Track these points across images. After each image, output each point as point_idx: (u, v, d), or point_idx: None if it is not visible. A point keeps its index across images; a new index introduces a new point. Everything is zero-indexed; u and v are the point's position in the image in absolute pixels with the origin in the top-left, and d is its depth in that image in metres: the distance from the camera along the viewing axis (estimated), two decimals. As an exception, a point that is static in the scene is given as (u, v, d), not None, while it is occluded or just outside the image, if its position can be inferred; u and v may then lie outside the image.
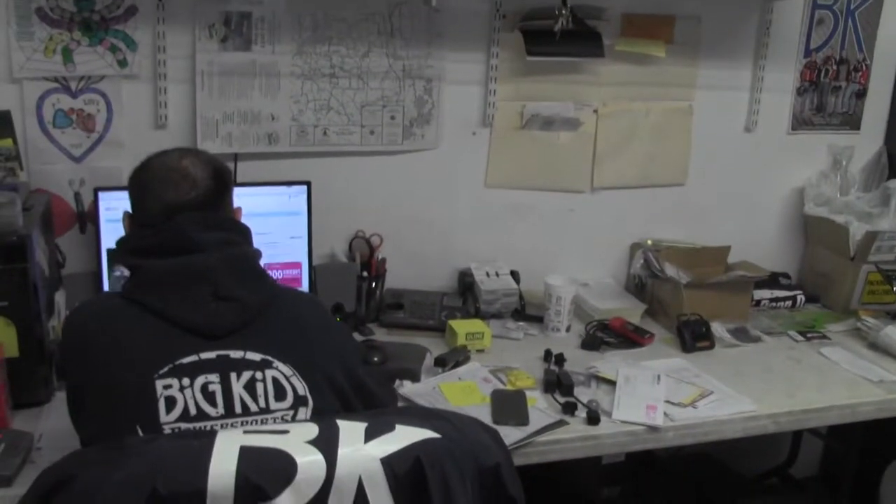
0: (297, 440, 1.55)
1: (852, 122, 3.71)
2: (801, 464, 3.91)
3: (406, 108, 3.10)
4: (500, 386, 2.66)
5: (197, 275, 1.85)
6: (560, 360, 2.84)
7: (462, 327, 2.92)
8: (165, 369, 1.76)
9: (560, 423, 2.48)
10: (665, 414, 2.57)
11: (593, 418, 2.51)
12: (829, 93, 3.64)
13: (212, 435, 1.56)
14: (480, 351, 2.90)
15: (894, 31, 3.65)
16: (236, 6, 2.85)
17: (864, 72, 3.66)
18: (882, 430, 3.09)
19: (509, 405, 2.52)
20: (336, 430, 1.58)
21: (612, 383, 2.70)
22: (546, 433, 2.43)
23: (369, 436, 1.58)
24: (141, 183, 2.02)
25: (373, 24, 2.99)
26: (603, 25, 3.21)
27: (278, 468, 1.51)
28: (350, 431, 1.58)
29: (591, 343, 3.01)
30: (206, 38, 2.84)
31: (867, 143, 3.73)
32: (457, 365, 2.76)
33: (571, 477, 3.15)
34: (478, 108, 3.20)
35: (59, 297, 2.57)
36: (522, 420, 2.45)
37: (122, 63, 2.78)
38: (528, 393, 2.60)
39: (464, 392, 2.60)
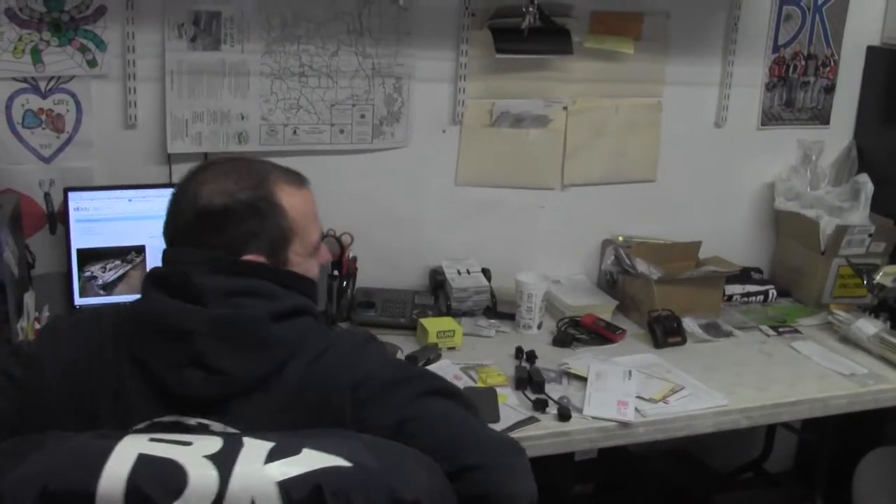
0: (196, 453, 1.47)
1: (821, 116, 3.72)
2: (775, 458, 3.93)
3: (376, 106, 3.10)
4: (471, 383, 2.67)
5: (173, 334, 1.66)
6: (531, 356, 2.85)
7: (433, 325, 2.92)
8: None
9: (531, 420, 2.50)
10: (636, 409, 2.59)
11: (564, 415, 2.52)
12: (797, 88, 3.66)
13: (119, 436, 1.50)
14: (452, 349, 2.90)
15: (861, 26, 3.67)
16: (205, 6, 2.84)
17: (832, 67, 3.68)
18: (855, 423, 3.12)
19: (480, 402, 2.50)
20: (239, 446, 1.49)
21: (584, 380, 2.72)
22: (517, 430, 2.44)
23: (272, 456, 1.47)
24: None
25: (342, 23, 2.99)
26: (571, 22, 3.22)
27: (169, 479, 1.44)
28: (252, 450, 1.48)
29: (563, 340, 3.01)
30: (175, 38, 2.83)
31: (836, 137, 3.75)
32: (428, 363, 2.76)
33: (544, 474, 3.15)
34: (447, 105, 3.20)
35: (29, 298, 2.56)
36: (493, 417, 2.45)
37: (92, 63, 2.78)
38: (499, 390, 2.62)
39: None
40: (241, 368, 1.66)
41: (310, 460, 1.47)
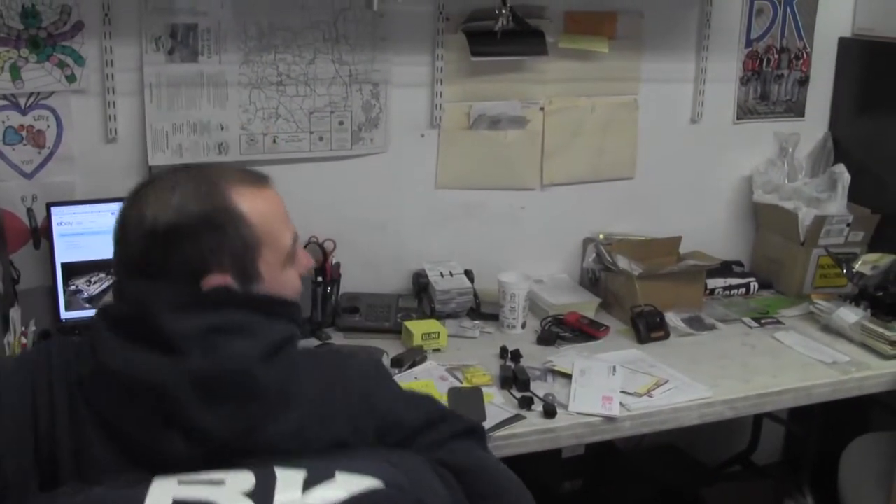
0: (233, 492, 1.40)
1: (796, 109, 3.76)
2: (762, 451, 3.95)
3: (354, 112, 3.12)
4: (457, 383, 2.68)
5: (143, 392, 1.47)
6: (516, 356, 2.87)
7: (418, 328, 2.94)
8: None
9: (517, 418, 2.51)
10: (621, 404, 2.61)
11: (550, 411, 2.54)
12: (772, 81, 3.69)
13: (146, 484, 1.40)
14: (437, 350, 2.91)
15: (832, 18, 3.70)
16: (182, 18, 2.85)
17: (805, 59, 3.71)
18: (840, 413, 3.14)
19: (466, 402, 2.54)
20: (273, 479, 1.42)
21: (569, 377, 2.73)
22: (503, 428, 2.46)
23: (307, 485, 1.43)
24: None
25: (318, 31, 3.01)
26: (545, 24, 3.24)
27: None
28: (287, 481, 1.43)
29: (547, 338, 3.03)
30: (152, 51, 2.85)
31: (812, 129, 3.78)
32: (413, 365, 2.78)
33: (532, 471, 3.17)
34: (425, 110, 3.22)
35: (15, 314, 2.57)
36: (479, 416, 2.46)
37: (71, 78, 2.79)
38: (484, 389, 2.63)
39: (421, 391, 2.62)
40: (230, 427, 1.49)
41: (346, 484, 1.45)
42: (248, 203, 1.61)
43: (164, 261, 1.54)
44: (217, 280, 1.56)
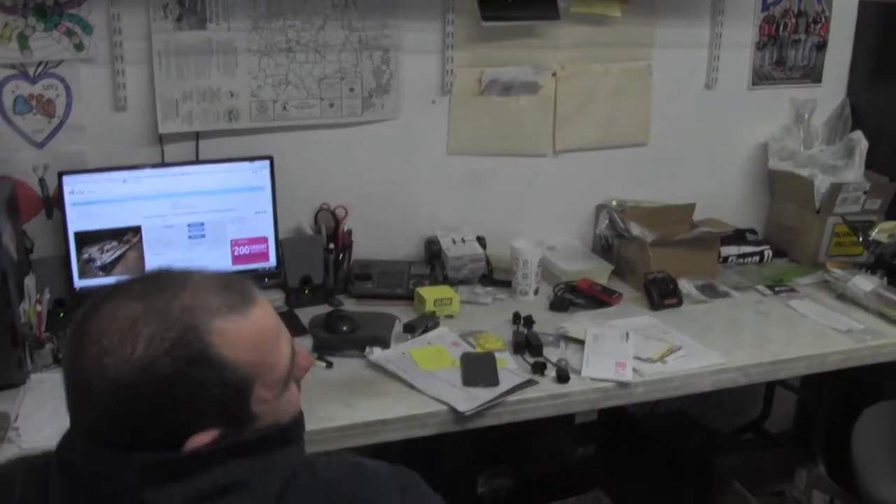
0: None
1: (813, 74, 3.72)
2: (775, 419, 3.94)
3: (364, 79, 3.10)
4: (470, 349, 2.69)
5: None
6: (529, 322, 2.87)
7: (430, 294, 2.94)
8: None
9: (530, 383, 2.52)
10: (634, 370, 2.61)
11: (563, 376, 2.54)
12: (788, 46, 3.65)
13: None
14: (449, 317, 2.92)
15: (851, -19, 3.67)
16: (190, -15, 2.86)
17: (824, 23, 3.66)
18: (854, 381, 3.13)
19: (479, 367, 2.55)
20: None
21: (581, 342, 2.74)
22: (516, 393, 2.47)
23: None
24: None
25: (327, -3, 3.00)
26: (558, -12, 3.22)
27: None
28: None
29: (560, 304, 3.03)
30: (160, 19, 2.84)
31: (829, 95, 3.74)
32: (426, 330, 2.78)
33: (546, 437, 3.18)
34: (436, 76, 3.21)
35: (29, 282, 2.57)
36: (492, 381, 2.48)
37: (79, 47, 2.78)
38: (497, 355, 2.64)
39: (433, 356, 2.63)
40: None
41: None
42: (233, 341, 1.26)
43: (132, 428, 1.23)
44: (202, 439, 1.25)
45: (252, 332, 1.28)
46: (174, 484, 1.22)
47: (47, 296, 2.61)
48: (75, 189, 2.78)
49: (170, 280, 1.30)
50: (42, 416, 2.23)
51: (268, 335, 1.32)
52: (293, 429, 1.37)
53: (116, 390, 1.20)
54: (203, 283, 1.29)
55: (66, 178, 2.77)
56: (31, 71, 2.77)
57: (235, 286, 1.32)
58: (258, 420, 1.30)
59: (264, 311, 1.32)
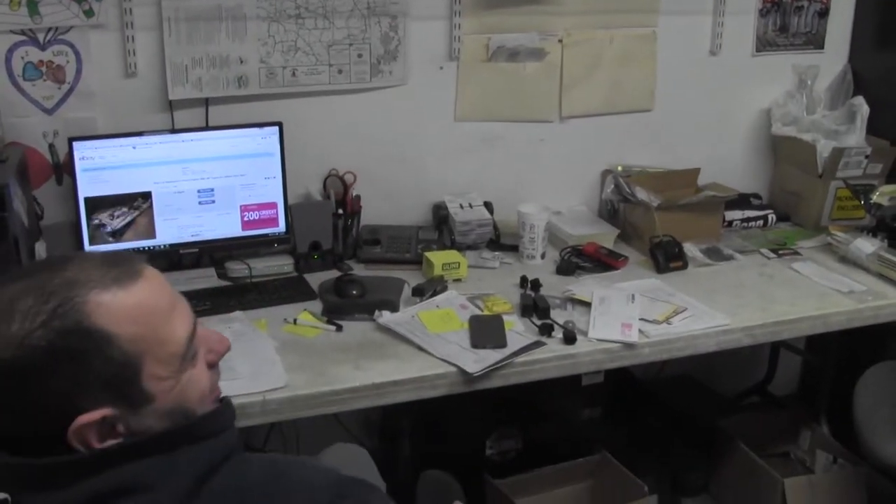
0: None
1: (816, 41, 3.73)
2: (779, 381, 3.97)
3: (373, 45, 3.12)
4: (478, 311, 2.71)
5: None
6: (536, 285, 2.89)
7: (438, 258, 2.96)
8: None
9: (537, 344, 2.54)
10: (640, 331, 2.64)
11: (570, 338, 2.57)
12: (791, 13, 3.66)
13: None
14: (457, 280, 2.94)
15: (854, -53, 3.67)
16: (199, -49, 2.86)
17: (826, -10, 3.69)
18: (857, 343, 3.16)
19: (487, 329, 2.58)
20: None
21: (588, 305, 2.76)
22: (524, 354, 2.49)
23: None
24: None
25: (335, -37, 3.01)
26: (563, -45, 3.23)
27: None
28: None
29: (566, 268, 3.05)
30: (170, -16, 2.86)
31: (831, 61, 3.75)
32: (434, 294, 2.81)
33: (552, 398, 3.21)
34: (444, 42, 3.21)
35: (40, 248, 2.60)
36: (500, 343, 2.51)
37: (89, 13, 2.79)
38: (505, 317, 2.66)
39: (442, 319, 2.65)
40: None
41: None
42: (114, 312, 1.22)
43: (17, 408, 1.20)
44: (89, 417, 1.19)
45: (135, 305, 1.24)
46: (60, 487, 1.18)
47: (59, 261, 2.62)
48: (85, 155, 2.79)
49: (56, 260, 1.28)
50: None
51: (156, 309, 1.26)
52: (206, 421, 1.31)
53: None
54: (87, 260, 1.26)
55: (76, 144, 2.78)
56: (40, 37, 2.78)
57: (122, 262, 1.28)
58: (156, 400, 1.25)
59: (152, 286, 1.28)
